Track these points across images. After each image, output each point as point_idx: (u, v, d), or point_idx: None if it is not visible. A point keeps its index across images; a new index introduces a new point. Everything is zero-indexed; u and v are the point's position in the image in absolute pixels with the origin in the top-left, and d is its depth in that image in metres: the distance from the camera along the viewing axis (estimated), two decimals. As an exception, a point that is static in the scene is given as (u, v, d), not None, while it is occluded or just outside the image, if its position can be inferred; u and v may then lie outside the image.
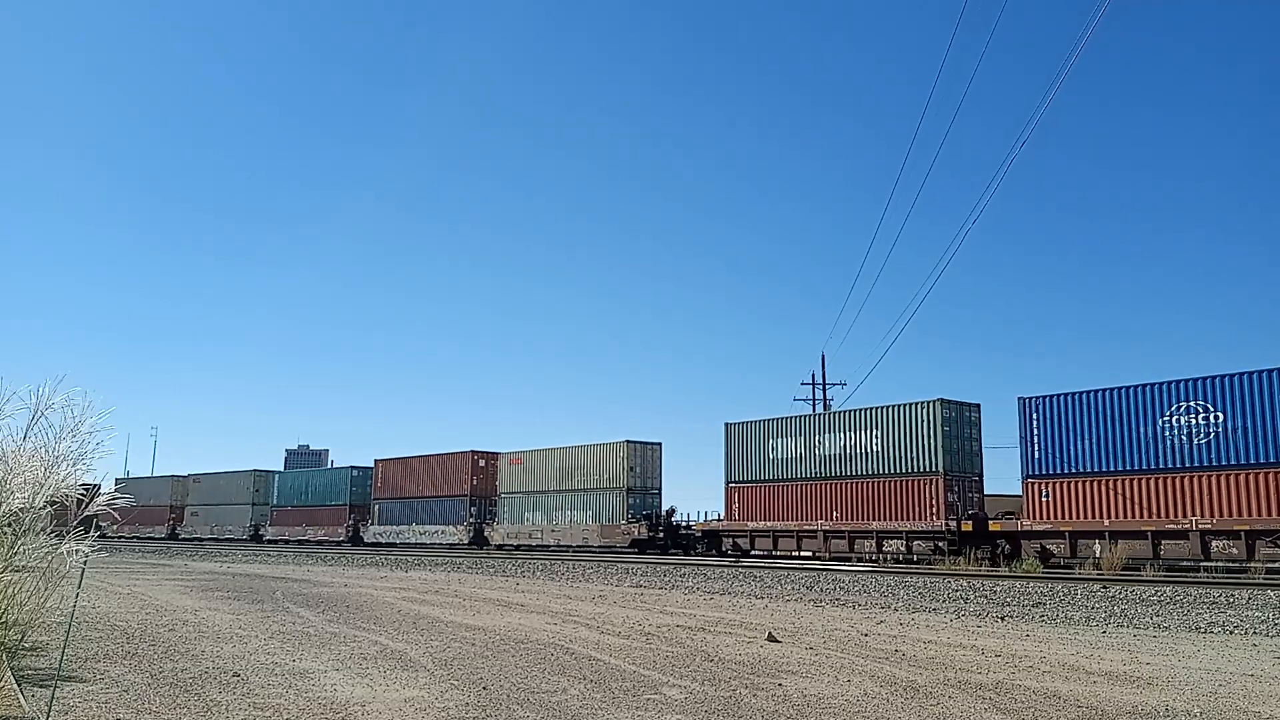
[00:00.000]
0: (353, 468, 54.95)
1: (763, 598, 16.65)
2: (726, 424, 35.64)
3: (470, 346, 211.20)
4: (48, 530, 7.09)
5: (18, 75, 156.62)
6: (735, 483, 34.96)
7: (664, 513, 39.78)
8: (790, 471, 33.08)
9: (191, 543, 59.55)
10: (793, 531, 32.35)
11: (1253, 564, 22.08)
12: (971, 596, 16.67)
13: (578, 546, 40.61)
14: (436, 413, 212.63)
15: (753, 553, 33.04)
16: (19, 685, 6.50)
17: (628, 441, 40.09)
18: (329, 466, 57.24)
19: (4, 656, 6.96)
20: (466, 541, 45.23)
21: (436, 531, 47.49)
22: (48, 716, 5.62)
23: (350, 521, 53.27)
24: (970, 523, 27.86)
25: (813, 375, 56.99)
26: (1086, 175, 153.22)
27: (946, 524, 27.84)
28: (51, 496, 6.92)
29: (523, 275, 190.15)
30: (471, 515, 45.90)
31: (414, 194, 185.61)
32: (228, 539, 61.23)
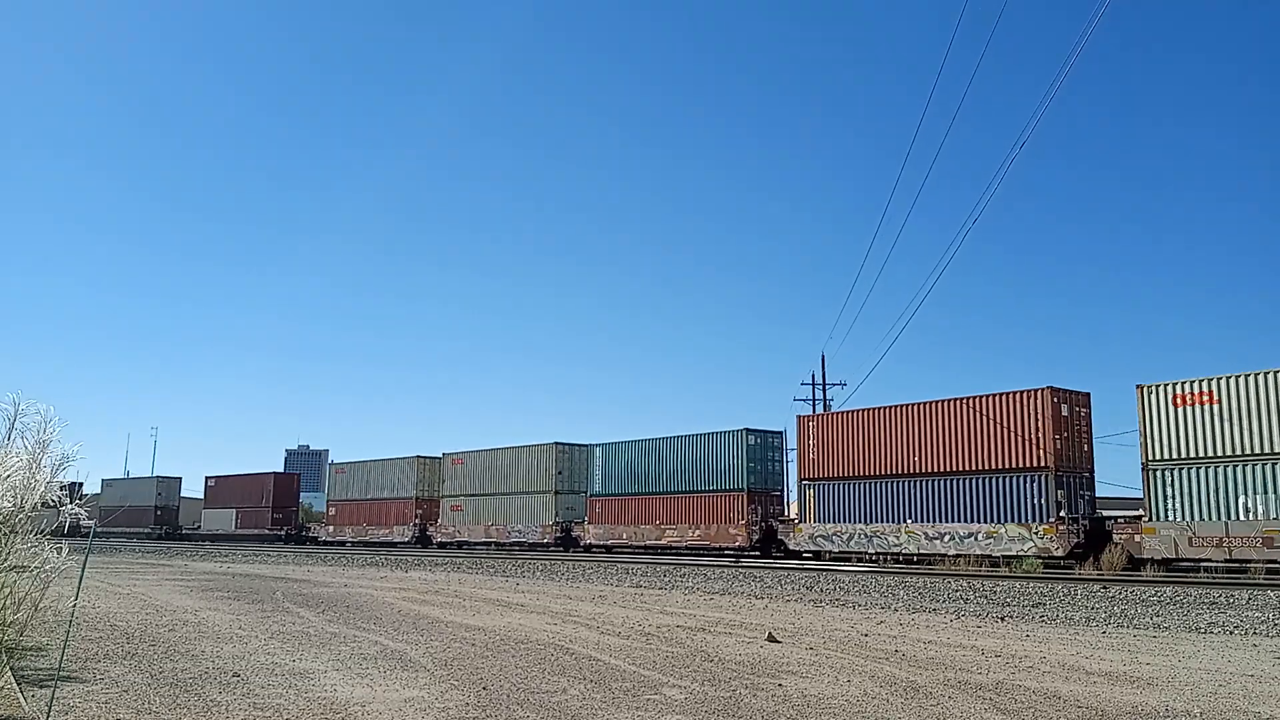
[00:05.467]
0: (747, 431, 34.43)
1: (763, 598, 16.64)
2: None
3: (470, 347, 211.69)
4: (37, 531, 7.13)
5: (26, 84, 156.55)
6: None
7: None
8: None
9: (453, 550, 42.85)
10: None
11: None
12: (971, 597, 16.66)
13: None
14: (438, 412, 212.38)
15: None
16: (19, 685, 6.50)
17: None
18: (708, 432, 35.85)
19: (3, 656, 6.96)
20: (1062, 553, 24.87)
21: (971, 536, 26.78)
22: (48, 716, 5.62)
23: (752, 518, 33.56)
24: None
25: (813, 375, 56.84)
26: (1082, 179, 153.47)
27: None
28: (39, 499, 6.99)
29: (521, 277, 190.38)
30: (1060, 503, 25.27)
31: (412, 198, 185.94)
32: (516, 544, 42.55)
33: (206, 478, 66.50)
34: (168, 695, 6.55)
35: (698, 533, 35.21)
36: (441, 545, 46.35)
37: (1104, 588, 17.93)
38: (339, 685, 7.05)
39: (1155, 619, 13.11)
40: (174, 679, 7.22)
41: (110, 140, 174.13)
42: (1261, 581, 19.14)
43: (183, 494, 69.50)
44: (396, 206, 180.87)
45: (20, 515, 6.86)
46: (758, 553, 33.05)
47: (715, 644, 9.83)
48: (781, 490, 34.78)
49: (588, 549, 39.37)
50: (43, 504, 7.17)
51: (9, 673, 6.72)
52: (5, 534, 6.80)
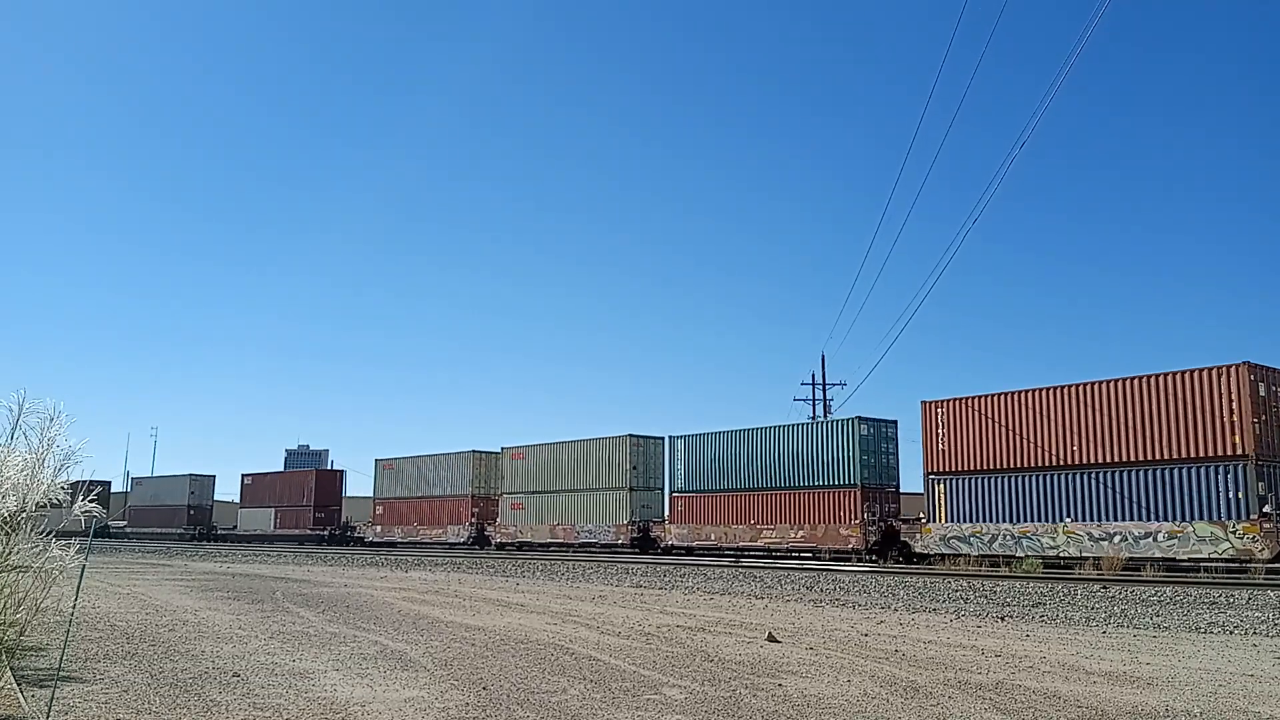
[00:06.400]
0: (860, 419, 30.38)
1: (763, 598, 16.64)
2: None
3: (469, 347, 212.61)
4: (40, 531, 7.13)
5: (26, 84, 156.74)
6: None
7: None
8: None
9: (513, 551, 39.93)
10: None
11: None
12: (971, 596, 16.66)
13: None
14: (437, 413, 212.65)
15: None
16: (19, 685, 6.51)
17: None
18: (812, 421, 33.75)
19: (3, 656, 6.97)
20: (1269, 556, 21.00)
21: (1149, 536, 22.60)
22: (48, 716, 5.62)
23: (869, 517, 29.44)
24: None
25: (813, 375, 56.91)
26: (1083, 179, 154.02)
27: None
28: (41, 498, 6.98)
29: (521, 277, 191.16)
30: (1264, 497, 21.25)
31: (412, 197, 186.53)
32: (586, 545, 38.76)
33: (243, 475, 62.11)
34: (168, 695, 6.55)
35: (802, 533, 30.93)
36: (501, 546, 42.64)
37: (1104, 588, 17.93)
38: (339, 685, 7.06)
39: (1155, 619, 13.11)
40: (174, 679, 7.22)
41: (110, 140, 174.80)
42: (1261, 581, 19.14)
43: (216, 494, 65.72)
44: (396, 206, 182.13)
45: (22, 515, 6.86)
46: (875, 556, 28.86)
47: (715, 644, 9.83)
48: (897, 486, 30.79)
49: (668, 550, 35.56)
50: (50, 503, 7.16)
51: (9, 673, 6.72)
52: (5, 534, 6.80)
